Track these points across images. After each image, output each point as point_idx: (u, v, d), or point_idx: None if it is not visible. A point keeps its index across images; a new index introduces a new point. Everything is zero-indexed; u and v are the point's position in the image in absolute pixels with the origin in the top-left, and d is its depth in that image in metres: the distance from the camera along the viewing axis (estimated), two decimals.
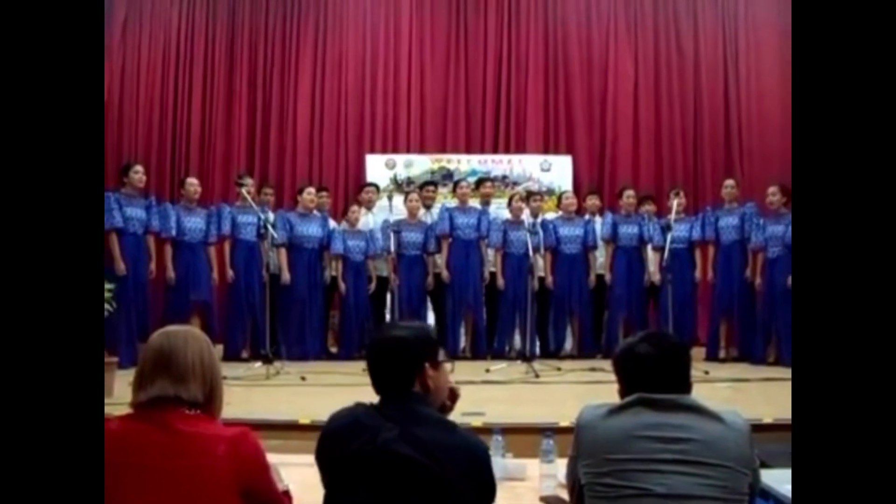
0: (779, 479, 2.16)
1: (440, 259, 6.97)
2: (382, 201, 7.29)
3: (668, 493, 1.65)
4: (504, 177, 8.26)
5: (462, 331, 6.97)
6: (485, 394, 4.65)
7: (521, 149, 8.53)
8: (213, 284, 6.63)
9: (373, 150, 8.47)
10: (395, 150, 8.49)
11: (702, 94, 8.69)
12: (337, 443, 1.65)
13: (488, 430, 2.76)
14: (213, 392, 1.72)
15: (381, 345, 1.78)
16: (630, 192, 7.25)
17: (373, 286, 6.87)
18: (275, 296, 6.29)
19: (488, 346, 6.93)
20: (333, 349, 7.06)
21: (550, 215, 7.37)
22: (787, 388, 1.81)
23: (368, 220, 7.10)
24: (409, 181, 8.13)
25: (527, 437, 3.09)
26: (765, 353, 6.47)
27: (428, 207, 7.20)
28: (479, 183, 7.50)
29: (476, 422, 3.56)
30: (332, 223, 7.07)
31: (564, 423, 3.33)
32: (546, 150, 8.54)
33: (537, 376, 5.57)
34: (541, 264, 6.87)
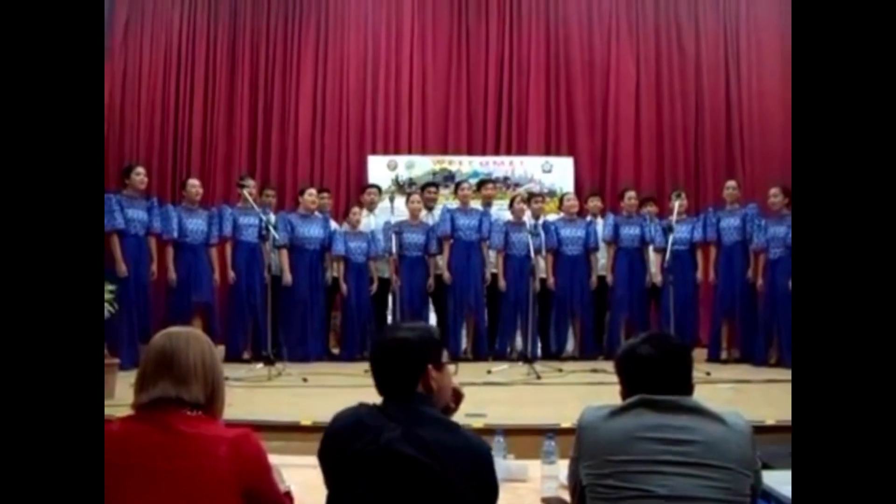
0: (780, 481, 2.16)
1: (441, 260, 6.97)
2: (384, 202, 7.28)
3: (669, 495, 1.65)
4: (505, 178, 8.26)
5: (463, 332, 6.96)
6: (486, 395, 4.65)
7: (522, 150, 8.54)
8: (215, 286, 6.63)
9: (374, 152, 8.47)
10: (397, 152, 8.50)
11: (703, 95, 8.70)
12: (340, 443, 1.65)
13: (490, 431, 2.77)
14: (214, 393, 1.72)
15: (384, 346, 1.78)
16: (631, 194, 7.25)
17: (374, 287, 6.87)
18: (276, 297, 6.29)
19: (490, 348, 6.93)
20: (335, 350, 7.06)
21: (552, 217, 7.38)
22: (788, 389, 1.81)
23: (370, 221, 7.11)
24: (411, 182, 8.13)
25: (528, 438, 3.10)
26: (766, 354, 6.47)
27: (429, 209, 7.20)
28: (481, 184, 7.50)
29: (478, 423, 3.57)
30: (333, 224, 7.07)
31: (566, 425, 3.33)
32: (547, 152, 8.55)
33: (539, 378, 5.57)
34: (542, 266, 6.86)
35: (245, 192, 6.50)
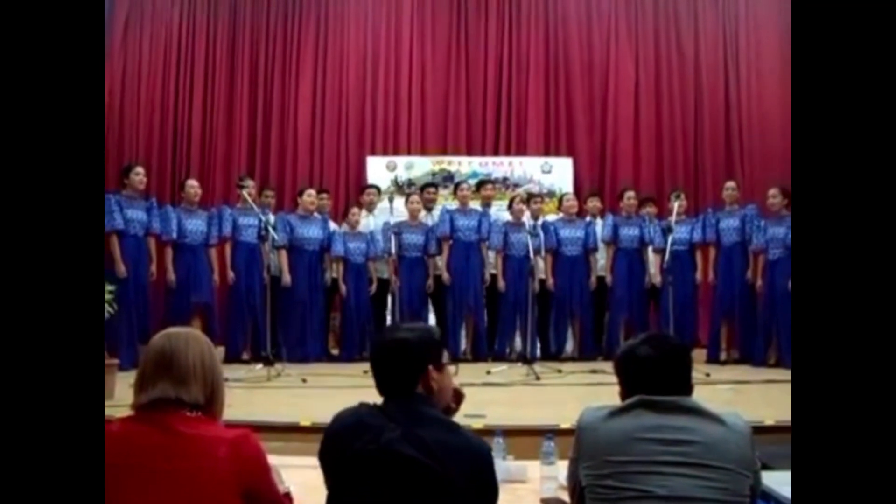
0: (780, 482, 2.16)
1: (441, 261, 6.97)
2: (383, 203, 7.27)
3: (668, 496, 1.65)
4: (505, 179, 8.26)
5: (463, 333, 6.96)
6: (486, 396, 4.64)
7: (521, 151, 8.54)
8: (214, 286, 6.63)
9: (373, 152, 8.47)
10: (396, 152, 8.50)
11: (702, 96, 8.70)
12: (340, 443, 1.65)
13: (489, 432, 2.76)
14: (214, 394, 1.72)
15: (384, 346, 1.78)
16: (631, 194, 7.25)
17: (373, 288, 6.87)
18: (275, 298, 6.29)
19: (489, 349, 6.92)
20: (334, 351, 7.06)
21: (551, 217, 7.38)
22: (788, 390, 1.81)
23: (369, 221, 7.11)
24: (410, 183, 8.12)
25: (528, 439, 3.10)
26: (766, 354, 6.47)
27: (429, 209, 7.20)
28: (480, 185, 7.50)
29: (477, 424, 3.57)
30: (332, 225, 7.07)
31: (565, 425, 3.33)
32: (547, 152, 8.55)
33: (538, 378, 5.57)
34: (541, 266, 6.87)
35: (244, 192, 6.50)
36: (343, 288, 6.78)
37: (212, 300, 6.58)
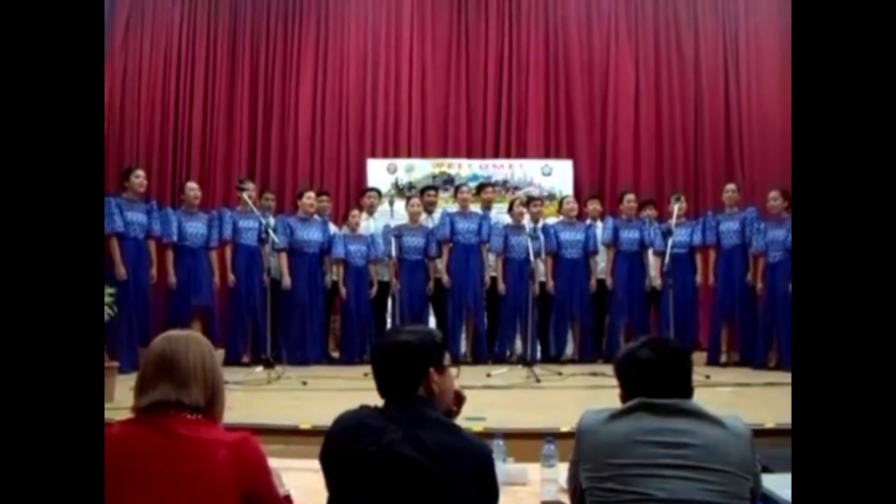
0: (780, 484, 2.16)
1: (441, 264, 6.97)
2: (383, 206, 7.27)
3: (669, 498, 1.65)
4: (505, 181, 8.27)
5: (463, 336, 6.96)
6: (486, 399, 4.63)
7: (521, 153, 8.54)
8: (214, 289, 6.64)
9: (374, 155, 8.48)
10: (396, 155, 8.50)
11: (702, 98, 8.70)
12: (341, 444, 1.65)
13: (489, 435, 2.77)
14: (214, 396, 1.72)
15: (385, 349, 1.79)
16: (631, 197, 7.24)
17: (374, 291, 6.87)
18: (276, 300, 6.29)
19: (489, 351, 6.92)
20: (334, 354, 7.06)
21: (551, 220, 7.39)
22: (788, 392, 1.81)
23: (369, 224, 7.11)
24: (411, 186, 8.13)
25: (528, 441, 3.10)
26: (766, 357, 6.46)
27: (429, 212, 7.20)
28: (480, 188, 7.50)
29: (477, 427, 3.56)
30: (332, 228, 7.07)
31: (565, 428, 3.33)
32: (547, 155, 8.55)
33: (538, 381, 5.56)
34: (542, 269, 6.87)
35: (245, 195, 6.50)
36: (343, 290, 6.78)
37: (212, 303, 6.58)
